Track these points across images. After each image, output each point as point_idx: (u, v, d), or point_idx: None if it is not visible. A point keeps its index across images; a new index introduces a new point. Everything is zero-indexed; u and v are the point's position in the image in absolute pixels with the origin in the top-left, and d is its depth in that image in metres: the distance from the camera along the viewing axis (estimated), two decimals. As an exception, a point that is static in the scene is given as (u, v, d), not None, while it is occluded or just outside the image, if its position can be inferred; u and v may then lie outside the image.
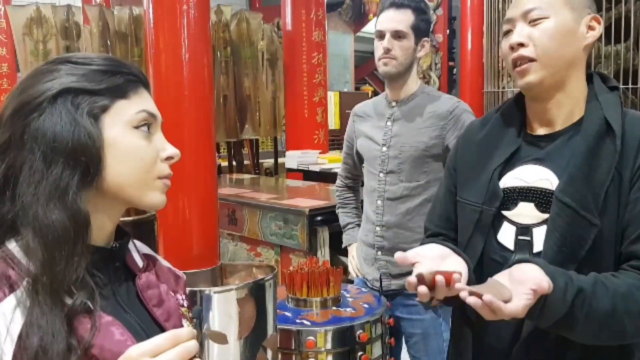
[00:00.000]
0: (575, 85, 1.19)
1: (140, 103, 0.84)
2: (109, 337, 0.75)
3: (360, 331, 1.75)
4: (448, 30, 7.26)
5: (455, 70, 7.78)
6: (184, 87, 2.14)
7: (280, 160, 5.69)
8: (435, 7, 4.90)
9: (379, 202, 2.06)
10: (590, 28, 1.18)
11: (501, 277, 1.02)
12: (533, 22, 1.15)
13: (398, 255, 1.06)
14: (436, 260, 1.08)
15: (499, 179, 1.21)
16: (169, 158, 0.86)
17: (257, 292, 1.58)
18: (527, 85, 1.17)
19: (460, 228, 1.27)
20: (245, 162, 5.71)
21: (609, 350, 1.09)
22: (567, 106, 1.18)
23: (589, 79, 1.21)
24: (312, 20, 5.01)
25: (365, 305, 1.89)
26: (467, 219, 1.24)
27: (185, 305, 0.98)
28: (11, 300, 0.72)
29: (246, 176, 5.05)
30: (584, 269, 1.07)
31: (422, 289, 0.98)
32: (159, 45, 2.14)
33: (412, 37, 2.00)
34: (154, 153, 0.85)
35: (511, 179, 1.20)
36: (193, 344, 0.71)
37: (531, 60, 1.14)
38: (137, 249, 0.94)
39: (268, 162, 5.98)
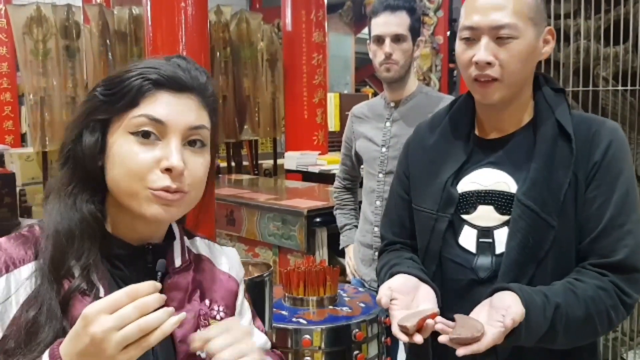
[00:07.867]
0: (527, 92, 1.21)
1: (147, 108, 0.80)
2: None
3: (357, 330, 1.74)
4: (449, 32, 7.23)
5: (455, 72, 7.73)
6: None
7: (279, 161, 5.69)
8: (435, 9, 4.91)
9: (378, 202, 2.05)
10: (545, 42, 1.18)
11: (482, 307, 1.05)
12: (501, 40, 1.11)
13: (381, 302, 1.11)
14: (410, 294, 1.12)
15: (455, 184, 1.22)
16: (167, 170, 0.79)
17: (252, 289, 1.57)
18: (489, 102, 1.16)
19: (418, 234, 1.28)
20: (244, 163, 5.70)
21: None
22: (520, 112, 1.20)
23: (535, 80, 1.22)
24: (312, 21, 5.02)
25: (362, 305, 1.89)
26: (423, 226, 1.25)
27: (219, 317, 0.92)
28: (30, 267, 0.77)
29: (245, 177, 5.04)
30: (544, 267, 1.11)
31: (418, 338, 1.02)
32: (156, 42, 2.13)
33: (410, 39, 1.99)
34: (148, 161, 0.79)
35: (468, 184, 1.21)
36: (153, 298, 0.67)
37: (495, 79, 1.12)
38: (187, 250, 0.92)
39: (267, 163, 5.97)
